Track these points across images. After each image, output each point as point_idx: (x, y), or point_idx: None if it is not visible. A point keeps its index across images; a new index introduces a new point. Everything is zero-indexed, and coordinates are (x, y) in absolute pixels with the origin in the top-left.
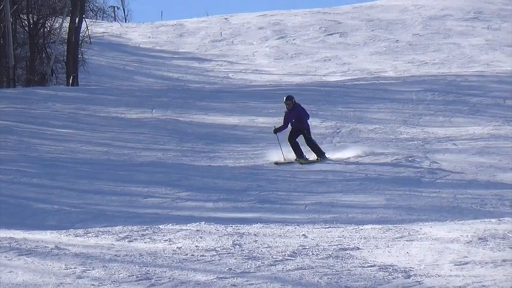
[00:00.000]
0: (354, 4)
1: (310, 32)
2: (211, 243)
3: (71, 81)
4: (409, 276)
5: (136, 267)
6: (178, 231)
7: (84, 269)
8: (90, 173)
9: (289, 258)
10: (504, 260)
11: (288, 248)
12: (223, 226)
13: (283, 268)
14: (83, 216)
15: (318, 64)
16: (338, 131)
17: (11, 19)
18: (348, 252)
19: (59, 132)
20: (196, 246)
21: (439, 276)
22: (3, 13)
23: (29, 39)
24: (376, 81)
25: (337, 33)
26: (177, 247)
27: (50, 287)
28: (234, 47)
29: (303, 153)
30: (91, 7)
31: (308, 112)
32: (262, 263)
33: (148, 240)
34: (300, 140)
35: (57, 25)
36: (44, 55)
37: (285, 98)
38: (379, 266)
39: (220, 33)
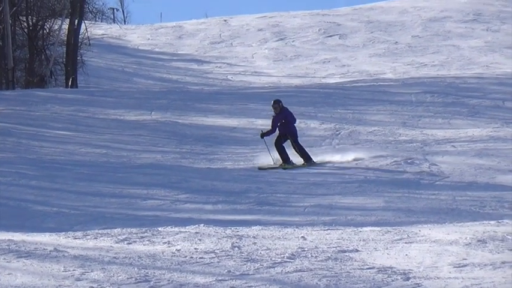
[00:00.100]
0: (353, 6)
1: (309, 34)
2: (210, 246)
3: (70, 83)
4: (408, 279)
5: (135, 269)
6: (177, 234)
7: (83, 271)
8: (89, 175)
9: (288, 260)
10: (503, 262)
11: (287, 250)
12: (222, 228)
13: (282, 270)
14: (81, 218)
15: (317, 66)
16: (337, 133)
17: (10, 21)
18: (347, 254)
19: (57, 134)
20: (195, 249)
21: (438, 278)
22: (2, 15)
23: (28, 41)
24: (375, 83)
25: (337, 35)
26: (176, 249)
27: None
28: (233, 49)
29: (289, 158)
30: (90, 9)
31: (295, 116)
32: (261, 265)
33: (147, 242)
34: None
35: (56, 27)
36: (43, 57)
37: (272, 102)
38: (378, 268)
39: (220, 35)
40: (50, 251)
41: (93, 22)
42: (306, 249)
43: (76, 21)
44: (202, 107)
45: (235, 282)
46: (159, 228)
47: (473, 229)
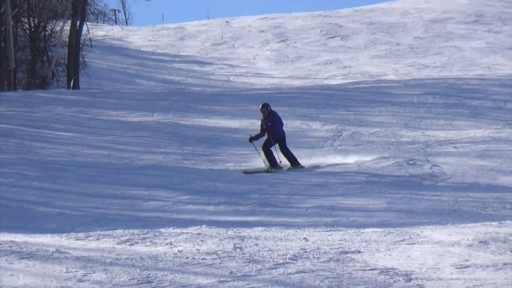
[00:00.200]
0: (354, 7)
1: (311, 35)
2: (212, 247)
3: (71, 85)
4: (410, 280)
5: (138, 270)
6: (180, 235)
7: (85, 272)
8: (91, 176)
9: (290, 261)
10: (505, 264)
11: (289, 251)
12: (224, 229)
13: (284, 271)
14: (83, 219)
15: (319, 67)
16: (339, 134)
17: (12, 22)
18: (349, 255)
19: (59, 136)
20: (197, 250)
21: (440, 279)
22: (4, 16)
23: (30, 43)
24: (377, 85)
25: (338, 36)
26: (178, 250)
27: None
28: (235, 50)
29: (276, 162)
30: (92, 10)
31: (283, 121)
32: (263, 266)
33: (149, 243)
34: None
35: (58, 28)
36: (44, 58)
37: (260, 105)
38: (380, 269)
39: (221, 36)
40: (52, 252)
41: (94, 23)
42: (308, 250)
43: (78, 23)
44: (204, 108)
45: (237, 283)
46: (161, 230)
47: (475, 230)
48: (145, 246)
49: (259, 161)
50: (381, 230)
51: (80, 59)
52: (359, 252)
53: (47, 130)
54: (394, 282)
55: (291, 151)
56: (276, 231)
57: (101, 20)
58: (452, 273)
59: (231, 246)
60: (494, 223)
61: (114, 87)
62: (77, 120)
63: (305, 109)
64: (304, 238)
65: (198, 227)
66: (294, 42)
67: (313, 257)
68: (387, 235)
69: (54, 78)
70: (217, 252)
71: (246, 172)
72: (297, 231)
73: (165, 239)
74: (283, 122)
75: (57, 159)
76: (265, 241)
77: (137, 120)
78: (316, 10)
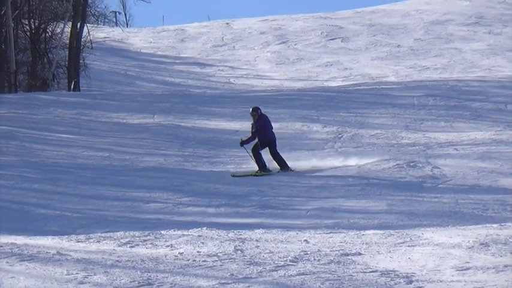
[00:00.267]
0: (355, 9)
1: (311, 37)
2: (213, 249)
3: (72, 87)
4: (411, 282)
5: (138, 272)
6: (180, 237)
7: (86, 274)
8: (92, 178)
9: (291, 263)
10: (506, 266)
11: (289, 253)
12: (225, 231)
13: (285, 273)
14: (84, 221)
15: (320, 69)
16: (340, 136)
17: (13, 24)
18: (349, 257)
19: (60, 138)
20: (198, 252)
21: (441, 281)
22: (4, 18)
23: (31, 45)
24: (377, 86)
25: (339, 38)
26: (178, 252)
27: None
28: (236, 52)
29: (265, 165)
30: (92, 12)
31: (272, 124)
32: (264, 268)
33: (150, 245)
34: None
35: (58, 30)
36: (45, 60)
37: (251, 109)
38: (381, 271)
39: (222, 38)
40: (53, 254)
41: (95, 25)
42: (308, 252)
43: (78, 25)
44: (205, 110)
45: (238, 285)
46: (162, 232)
47: (476, 232)
48: (146, 248)
49: (255, 165)
50: (381, 232)
51: (81, 61)
52: (360, 254)
53: (47, 132)
54: (395, 284)
55: (281, 155)
56: (276, 233)
57: (101, 21)
58: (453, 275)
59: (231, 248)
60: (495, 225)
61: (114, 89)
62: (78, 122)
63: (306, 111)
64: (305, 240)
65: (199, 229)
66: (295, 44)
67: (314, 259)
68: (388, 237)
69: (55, 80)
70: (218, 254)
71: (234, 175)
72: (297, 233)
73: (165, 241)
74: (273, 125)
75: (58, 161)
76: (266, 243)
77: (138, 122)
78: (316, 12)
